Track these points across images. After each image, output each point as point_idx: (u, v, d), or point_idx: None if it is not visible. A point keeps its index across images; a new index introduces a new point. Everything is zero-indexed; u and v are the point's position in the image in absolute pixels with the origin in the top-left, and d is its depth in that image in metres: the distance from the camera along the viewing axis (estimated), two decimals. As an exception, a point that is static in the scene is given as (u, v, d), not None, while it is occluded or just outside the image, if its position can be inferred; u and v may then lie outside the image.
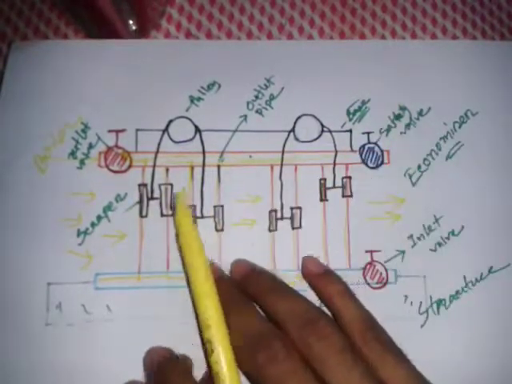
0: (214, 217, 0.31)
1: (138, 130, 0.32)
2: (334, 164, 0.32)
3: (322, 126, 0.33)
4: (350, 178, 0.32)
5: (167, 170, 0.32)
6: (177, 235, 0.29)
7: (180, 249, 0.29)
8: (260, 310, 0.28)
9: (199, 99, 0.33)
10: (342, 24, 0.36)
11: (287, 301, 0.27)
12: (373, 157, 0.32)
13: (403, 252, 0.31)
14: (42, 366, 0.28)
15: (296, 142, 0.32)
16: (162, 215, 0.31)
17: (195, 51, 0.34)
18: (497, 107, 0.33)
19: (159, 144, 0.32)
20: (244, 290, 0.28)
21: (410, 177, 0.32)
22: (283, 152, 0.32)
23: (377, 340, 0.26)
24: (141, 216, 0.31)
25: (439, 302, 0.30)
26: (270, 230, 0.31)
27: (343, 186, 0.32)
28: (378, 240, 0.31)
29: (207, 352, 0.25)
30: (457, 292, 0.30)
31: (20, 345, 0.29)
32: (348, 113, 0.33)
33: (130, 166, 0.32)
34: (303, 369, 0.24)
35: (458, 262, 0.31)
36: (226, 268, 0.30)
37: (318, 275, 0.29)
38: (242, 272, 0.29)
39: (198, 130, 0.32)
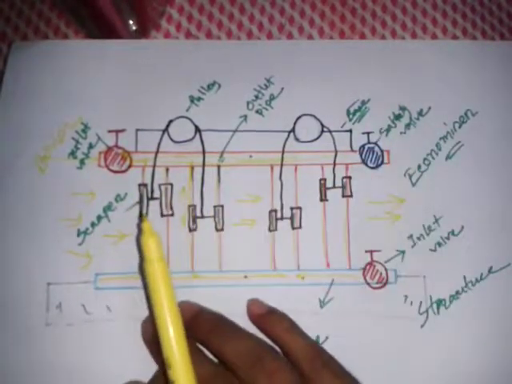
0: (214, 217, 0.31)
1: (137, 130, 0.32)
2: (334, 164, 0.32)
3: (322, 125, 0.33)
4: (349, 177, 0.32)
5: (167, 169, 0.32)
6: (142, 260, 0.27)
7: (144, 275, 0.27)
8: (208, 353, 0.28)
9: (199, 99, 0.33)
10: (342, 24, 0.36)
11: (233, 341, 0.27)
12: (373, 157, 0.32)
13: (403, 252, 0.31)
14: (42, 366, 0.28)
15: (296, 142, 0.32)
16: (162, 215, 0.31)
17: (195, 51, 0.34)
18: (497, 107, 0.33)
19: (159, 144, 0.32)
20: (191, 332, 0.27)
21: (410, 177, 0.32)
22: (283, 152, 0.32)
23: (325, 367, 0.26)
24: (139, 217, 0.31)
25: (439, 302, 0.30)
26: (270, 230, 0.31)
27: (343, 186, 0.32)
28: (378, 240, 0.31)
29: None
30: (457, 292, 0.30)
31: (20, 345, 0.29)
32: (348, 113, 0.33)
33: (129, 166, 0.32)
34: None
35: (458, 262, 0.31)
36: (227, 264, 0.30)
37: (263, 316, 0.29)
38: (188, 314, 0.28)
39: (198, 129, 0.32)
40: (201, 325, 0.28)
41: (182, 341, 0.25)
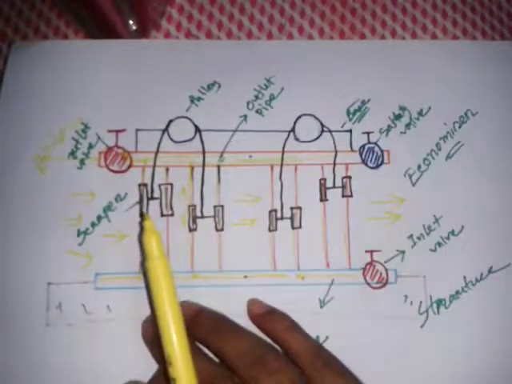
0: (214, 217, 0.31)
1: (137, 130, 0.32)
2: (334, 164, 0.32)
3: (322, 125, 0.33)
4: (349, 177, 0.32)
5: (167, 169, 0.32)
6: (144, 258, 0.28)
7: (146, 273, 0.27)
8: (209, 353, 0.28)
9: (199, 99, 0.33)
10: (342, 24, 0.36)
11: (233, 340, 0.27)
12: (373, 157, 0.32)
13: (403, 252, 0.31)
14: (42, 366, 0.28)
15: (296, 142, 0.32)
16: (162, 215, 0.31)
17: (195, 51, 0.34)
18: (497, 107, 0.33)
19: (159, 144, 0.32)
20: (191, 332, 0.27)
21: (410, 177, 0.32)
22: (283, 152, 0.32)
23: (327, 366, 0.26)
24: (141, 216, 0.31)
25: (439, 302, 0.30)
26: (270, 230, 0.31)
27: (343, 186, 0.32)
28: (378, 240, 0.31)
29: None
30: (457, 292, 0.30)
31: (20, 345, 0.29)
32: (348, 113, 0.33)
33: (129, 166, 0.32)
34: None
35: (458, 262, 0.31)
36: (227, 264, 0.30)
37: (263, 315, 0.29)
38: (188, 314, 0.28)
39: (198, 129, 0.32)
40: (201, 324, 0.28)
41: (183, 338, 0.25)
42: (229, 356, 0.26)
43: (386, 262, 0.31)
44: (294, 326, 0.28)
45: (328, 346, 0.28)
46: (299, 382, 0.25)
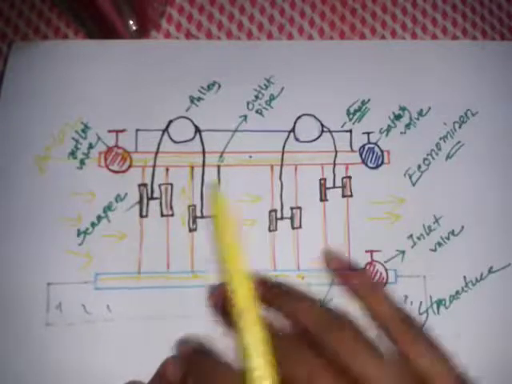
0: (214, 217, 0.31)
1: (137, 130, 0.32)
2: (334, 164, 0.32)
3: (322, 125, 0.33)
4: (349, 177, 0.32)
5: (167, 169, 0.32)
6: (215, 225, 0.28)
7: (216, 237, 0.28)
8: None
9: (199, 99, 0.33)
10: (342, 24, 0.36)
11: (305, 304, 0.26)
12: (373, 157, 0.32)
13: (403, 252, 0.31)
14: (42, 366, 0.28)
15: (296, 142, 0.32)
16: (162, 215, 0.31)
17: (195, 51, 0.34)
18: (497, 107, 0.33)
19: (159, 144, 0.32)
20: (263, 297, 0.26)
21: (410, 177, 0.32)
22: (283, 152, 0.32)
23: (419, 338, 0.25)
24: (141, 216, 0.31)
25: (439, 302, 0.30)
26: (270, 230, 0.31)
27: (343, 186, 0.32)
28: (378, 240, 0.31)
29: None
30: (457, 292, 0.30)
31: (20, 345, 0.29)
32: (348, 113, 0.33)
33: (129, 166, 0.32)
34: None
35: (458, 262, 0.31)
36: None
37: (345, 270, 0.29)
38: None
39: (197, 129, 0.32)
40: (270, 289, 0.28)
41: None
42: (307, 321, 0.25)
43: (386, 262, 0.31)
44: (380, 287, 0.28)
45: (328, 345, 0.28)
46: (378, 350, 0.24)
